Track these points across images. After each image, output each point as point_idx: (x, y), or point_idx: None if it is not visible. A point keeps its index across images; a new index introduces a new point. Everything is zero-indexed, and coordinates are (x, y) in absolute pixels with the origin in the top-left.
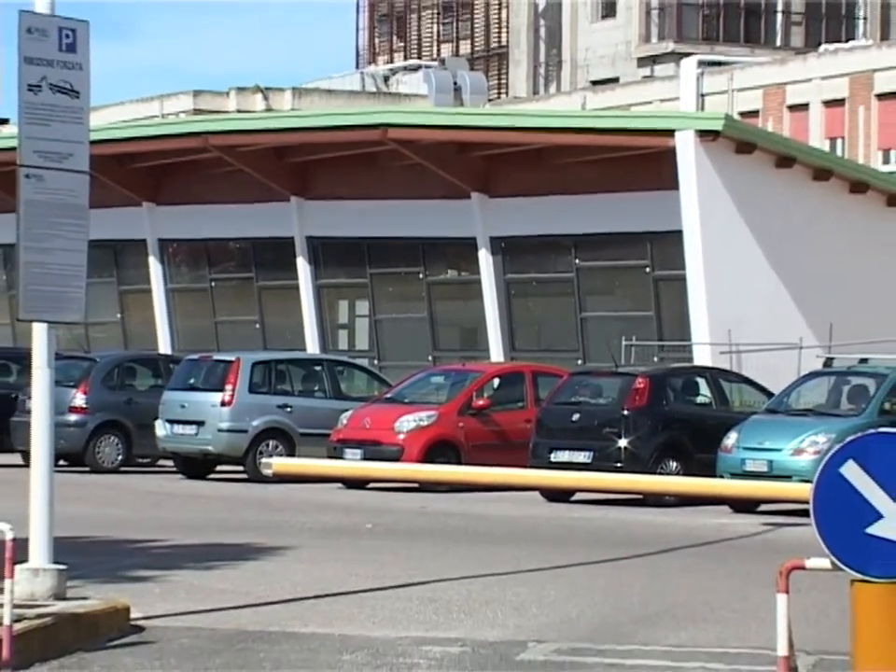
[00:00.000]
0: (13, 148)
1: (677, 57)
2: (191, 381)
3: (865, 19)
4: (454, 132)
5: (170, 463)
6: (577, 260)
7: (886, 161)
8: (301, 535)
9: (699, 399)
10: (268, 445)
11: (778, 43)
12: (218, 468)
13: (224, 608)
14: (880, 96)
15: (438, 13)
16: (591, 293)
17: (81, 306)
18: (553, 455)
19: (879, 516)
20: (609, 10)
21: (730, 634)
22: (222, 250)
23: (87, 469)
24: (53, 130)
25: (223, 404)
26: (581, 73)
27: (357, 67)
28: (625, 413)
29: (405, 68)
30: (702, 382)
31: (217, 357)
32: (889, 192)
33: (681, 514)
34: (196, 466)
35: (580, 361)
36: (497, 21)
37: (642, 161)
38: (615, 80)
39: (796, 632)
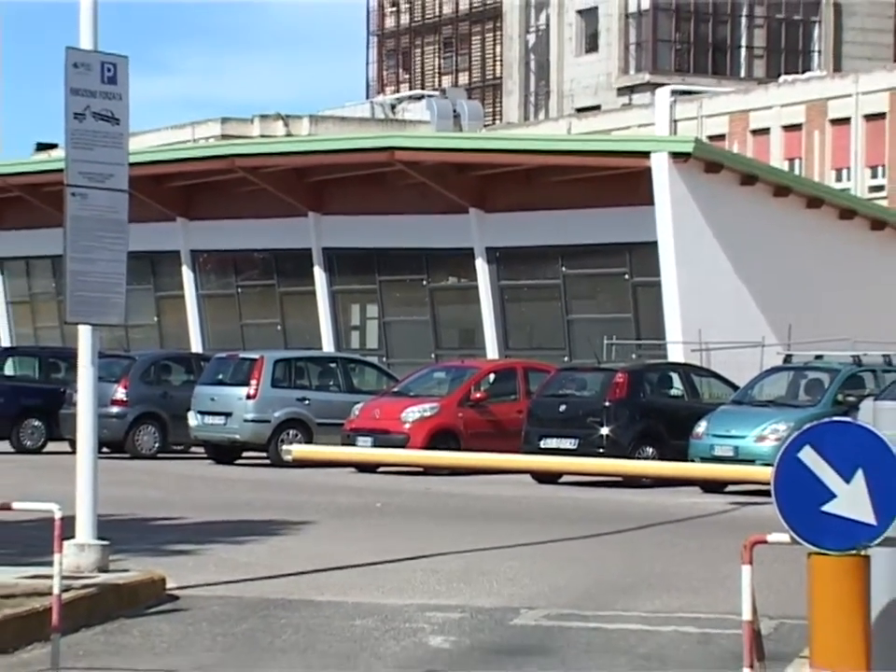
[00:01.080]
0: (61, 170)
1: (652, 87)
2: (220, 377)
3: (820, 52)
4: (453, 154)
5: (201, 450)
6: (563, 268)
7: (839, 179)
8: (318, 514)
9: (672, 392)
10: (288, 434)
11: (742, 74)
12: (244, 454)
13: (249, 578)
14: (833, 121)
15: (439, 48)
16: (576, 297)
17: (122, 310)
18: (542, 442)
19: (833, 496)
20: (591, 45)
21: (700, 601)
22: (247, 260)
23: (127, 455)
24: (96, 153)
25: (248, 397)
26: (566, 101)
27: (367, 97)
28: (607, 404)
29: (410, 97)
30: (675, 376)
31: (242, 355)
32: (841, 207)
33: (657, 494)
34: (224, 452)
35: (566, 358)
36: (491, 55)
37: (621, 180)
38: (597, 108)
39: (759, 599)
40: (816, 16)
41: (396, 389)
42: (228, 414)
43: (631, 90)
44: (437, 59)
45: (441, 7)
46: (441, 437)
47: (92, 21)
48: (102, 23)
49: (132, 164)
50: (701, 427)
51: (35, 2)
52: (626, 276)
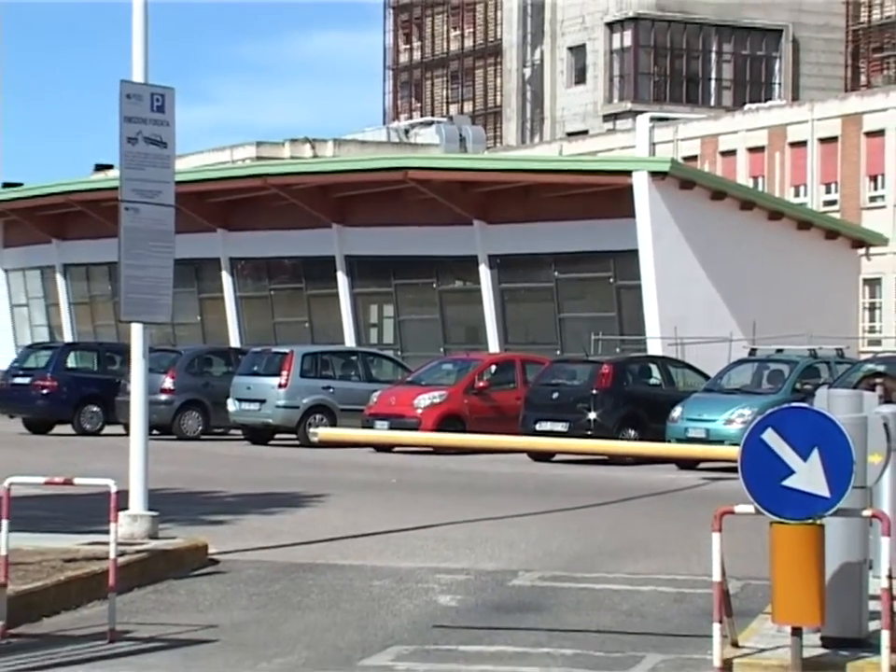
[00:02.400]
0: (116, 188)
1: (633, 114)
2: (255, 368)
3: (780, 84)
4: (459, 173)
5: (239, 432)
6: (556, 273)
7: (796, 194)
8: (341, 488)
9: (652, 381)
10: (315, 418)
11: (713, 103)
12: (276, 436)
13: (281, 545)
14: (792, 144)
15: (447, 80)
16: (567, 299)
17: (169, 310)
18: (537, 425)
19: (792, 472)
20: (580, 78)
21: (676, 564)
22: (279, 266)
23: (174, 437)
24: (146, 173)
25: (280, 386)
26: (558, 127)
27: (384, 123)
28: (594, 392)
29: (421, 123)
30: (654, 367)
31: (275, 349)
32: (798, 219)
33: (638, 471)
34: (259, 434)
35: (558, 352)
36: (493, 86)
37: (606, 196)
38: (585, 132)
39: (727, 562)
40: (776, 52)
41: (409, 379)
42: (262, 401)
43: (615, 116)
44: (445, 90)
45: (448, 44)
46: (448, 421)
47: (143, 57)
48: (151, 58)
49: (177, 182)
50: (677, 411)
51: (90, 37)
52: (611, 280)
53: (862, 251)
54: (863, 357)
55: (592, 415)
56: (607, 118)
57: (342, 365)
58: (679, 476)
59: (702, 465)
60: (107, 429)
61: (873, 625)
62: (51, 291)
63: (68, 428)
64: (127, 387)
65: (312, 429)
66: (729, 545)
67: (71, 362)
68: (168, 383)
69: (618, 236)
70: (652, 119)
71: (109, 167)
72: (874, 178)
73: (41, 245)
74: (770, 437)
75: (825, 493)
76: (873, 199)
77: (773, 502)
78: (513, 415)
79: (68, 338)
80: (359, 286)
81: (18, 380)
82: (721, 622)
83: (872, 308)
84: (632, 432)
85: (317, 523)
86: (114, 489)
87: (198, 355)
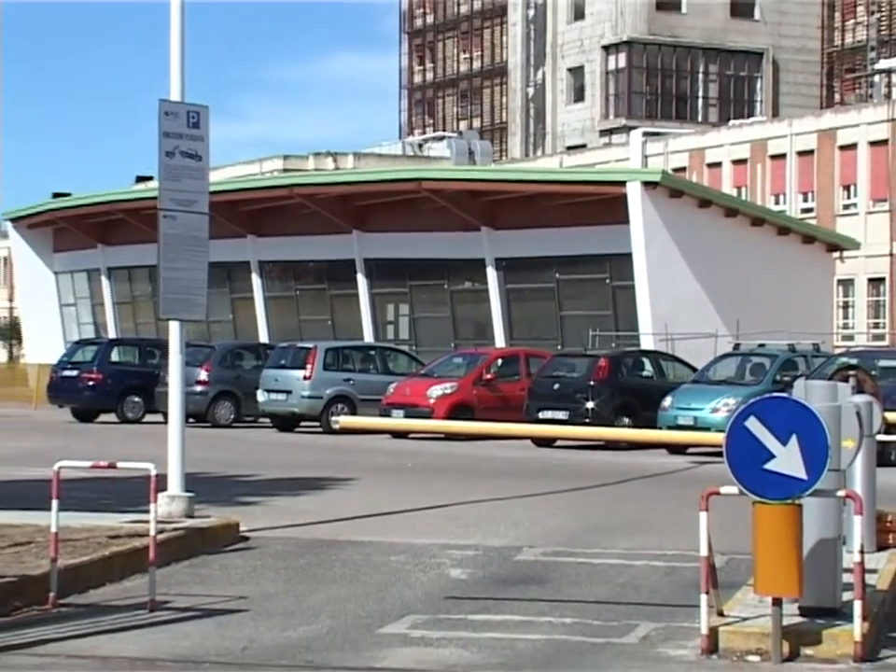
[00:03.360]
0: (155, 197)
1: (627, 129)
2: (282, 362)
3: (761, 101)
4: (468, 183)
5: (267, 420)
6: (557, 275)
7: (776, 202)
8: (360, 471)
9: (644, 373)
10: (336, 407)
11: (700, 119)
12: (301, 424)
13: (306, 523)
14: (772, 157)
15: (457, 99)
16: (567, 298)
17: (204, 309)
18: (540, 414)
19: (772, 456)
20: (579, 96)
21: (667, 540)
22: (304, 269)
23: (208, 424)
24: (183, 184)
25: (305, 378)
26: (559, 141)
27: (400, 137)
28: (592, 383)
29: (434, 138)
30: (646, 361)
31: (300, 345)
32: (778, 225)
33: (632, 455)
34: (286, 422)
35: (559, 346)
36: (499, 104)
37: (602, 204)
38: (583, 146)
39: (714, 539)
40: (758, 72)
41: (423, 372)
42: (288, 392)
43: (610, 131)
44: (455, 107)
45: (458, 66)
46: (458, 410)
47: (180, 77)
48: (188, 78)
49: (211, 192)
50: (667, 401)
51: (128, 59)
52: (607, 281)
53: (836, 254)
54: (837, 351)
55: (590, 405)
56: (603, 132)
57: (361, 359)
58: (669, 460)
59: (690, 450)
60: (148, 418)
61: (846, 596)
62: (97, 292)
63: (112, 417)
64: (165, 379)
65: (334, 418)
66: (715, 523)
67: (115, 356)
68: (203, 375)
69: (613, 241)
70: (645, 134)
71: (149, 178)
72: (847, 188)
73: (88, 249)
74: (752, 424)
75: (803, 475)
76: (846, 207)
77: (755, 484)
78: (518, 405)
79: (112, 334)
80: (377, 286)
81: (66, 373)
82: (707, 593)
83: (845, 307)
84: (626, 420)
85: (339, 503)
86: (154, 472)
87: (230, 349)
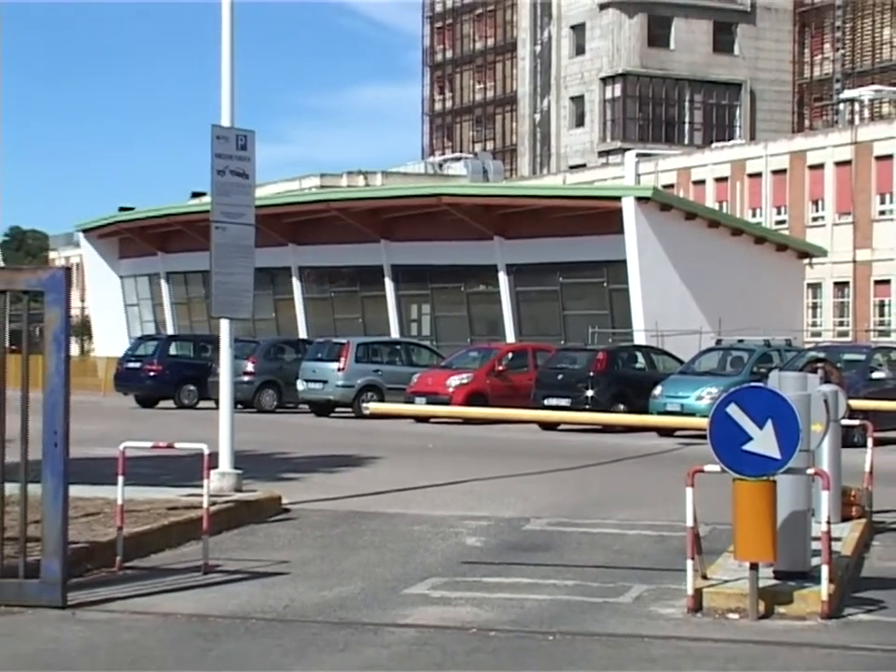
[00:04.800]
0: (208, 210)
1: (622, 151)
2: (319, 355)
3: (740, 126)
4: (483, 198)
5: (306, 407)
6: (560, 279)
7: (753, 215)
8: (388, 451)
9: (637, 365)
10: (367, 395)
11: (686, 142)
12: (336, 409)
13: (340, 497)
14: (750, 175)
15: (473, 123)
16: (569, 299)
17: (250, 309)
18: (546, 401)
19: (750, 438)
20: (579, 122)
21: (657, 512)
22: (338, 273)
23: (254, 410)
24: (232, 199)
25: (339, 370)
26: (562, 161)
27: (422, 158)
28: (591, 374)
29: (452, 158)
30: (639, 354)
31: (334, 340)
32: (755, 235)
33: (626, 438)
34: (322, 408)
35: (562, 342)
36: (510, 128)
37: (601, 216)
38: (584, 165)
39: (698, 511)
40: (737, 101)
41: (442, 364)
42: (325, 381)
43: (608, 153)
44: (471, 131)
45: (474, 94)
46: (474, 397)
47: (230, 105)
48: (237, 106)
49: (256, 206)
50: (657, 390)
51: (182, 88)
52: (604, 284)
53: (806, 261)
54: (807, 346)
55: (589, 393)
56: (601, 154)
57: (388, 353)
58: (659, 442)
59: (678, 433)
60: (201, 404)
61: (815, 561)
62: (157, 294)
63: (170, 403)
64: (216, 370)
65: (364, 404)
66: (699, 497)
67: (172, 350)
68: (249, 367)
69: (610, 249)
70: (638, 155)
71: (203, 194)
72: (815, 203)
73: (149, 256)
74: (733, 410)
75: (777, 455)
76: (815, 219)
77: (735, 463)
78: (526, 393)
79: (170, 331)
80: (402, 289)
81: (130, 365)
82: (693, 558)
83: (814, 307)
84: (621, 406)
85: (369, 479)
86: (206, 452)
87: (273, 344)
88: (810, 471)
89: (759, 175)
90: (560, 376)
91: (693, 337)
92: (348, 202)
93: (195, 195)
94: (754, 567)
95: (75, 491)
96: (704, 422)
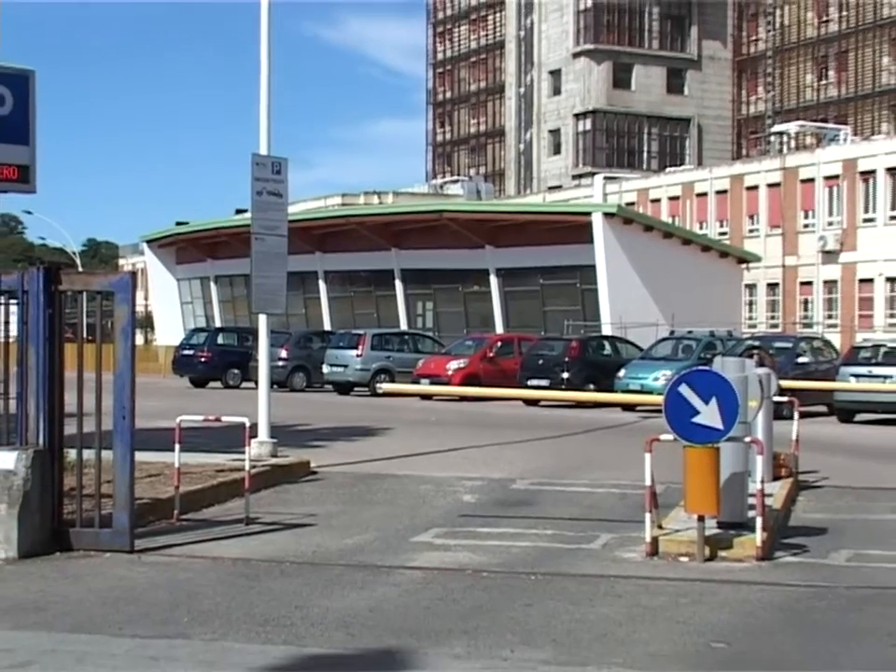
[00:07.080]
0: (248, 224)
1: (592, 174)
2: (341, 344)
3: (689, 154)
4: (477, 214)
5: (330, 387)
6: (541, 281)
7: (700, 228)
8: (398, 424)
9: (605, 352)
10: (380, 377)
11: (644, 167)
12: (355, 389)
13: (358, 461)
14: (698, 195)
15: (468, 152)
16: (548, 297)
17: (283, 306)
18: (529, 382)
19: (698, 412)
20: (557, 150)
21: (621, 474)
22: (356, 276)
23: (287, 389)
24: (269, 214)
25: (357, 356)
26: (542, 183)
27: (426, 180)
28: (566, 359)
29: (451, 181)
30: (606, 343)
31: (354, 331)
32: (702, 244)
33: (596, 413)
34: (343, 388)
35: (542, 332)
36: (499, 156)
37: (574, 229)
38: (560, 187)
39: (655, 472)
40: (687, 133)
41: (443, 351)
42: (345, 366)
43: (580, 176)
44: (467, 158)
45: (469, 128)
46: (469, 379)
47: (267, 136)
48: (273, 137)
49: (289, 221)
50: (622, 372)
51: (225, 122)
52: (577, 285)
53: (744, 266)
54: (745, 336)
55: (565, 375)
56: (574, 177)
57: (398, 342)
58: (623, 416)
59: (638, 408)
60: (244, 385)
61: (751, 513)
62: (207, 293)
63: (218, 384)
64: (256, 357)
65: (378, 384)
66: (656, 461)
67: (220, 340)
68: (283, 353)
69: (582, 256)
70: (605, 178)
71: (245, 210)
72: (751, 217)
73: (200, 262)
74: (684, 389)
75: (720, 426)
76: (751, 231)
77: (685, 432)
78: (513, 375)
79: (218, 324)
80: (410, 289)
81: (185, 352)
82: (650, 512)
83: (750, 304)
84: (592, 386)
85: (382, 446)
86: (248, 424)
87: (303, 335)
88: (747, 439)
89: (705, 194)
90: (541, 361)
91: (651, 329)
92: (365, 217)
93: (238, 211)
94: (701, 518)
95: (140, 456)
96: (660, 399)
